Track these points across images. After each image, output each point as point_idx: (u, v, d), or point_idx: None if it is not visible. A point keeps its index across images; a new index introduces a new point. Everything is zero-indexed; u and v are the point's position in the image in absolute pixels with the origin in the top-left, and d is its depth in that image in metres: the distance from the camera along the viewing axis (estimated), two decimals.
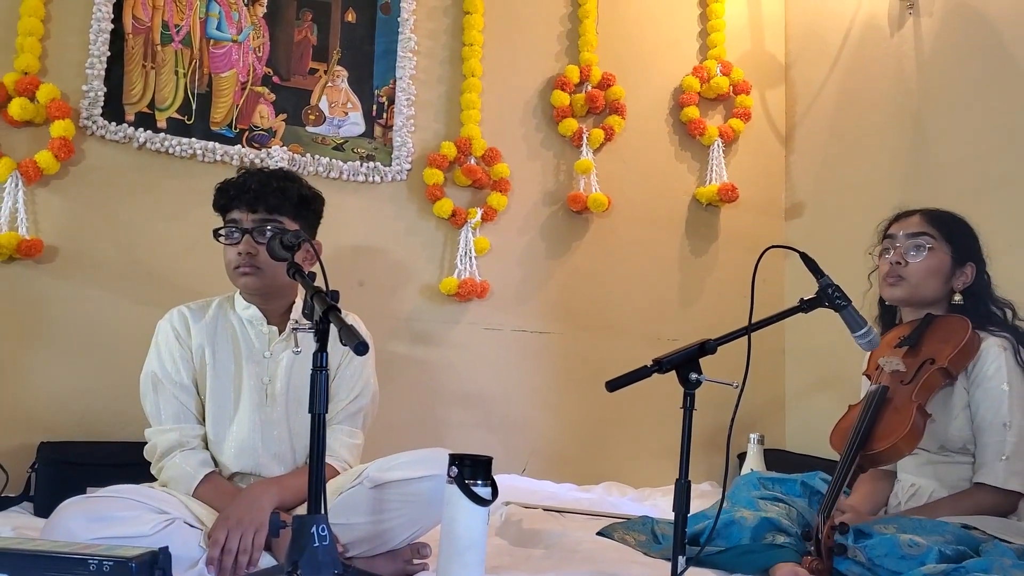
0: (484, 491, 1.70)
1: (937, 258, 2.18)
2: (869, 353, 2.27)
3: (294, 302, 2.19)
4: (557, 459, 3.25)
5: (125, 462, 2.09)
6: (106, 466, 2.23)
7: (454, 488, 1.69)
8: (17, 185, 2.62)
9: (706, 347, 1.67)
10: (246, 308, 2.16)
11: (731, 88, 3.60)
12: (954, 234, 2.21)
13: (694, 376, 1.64)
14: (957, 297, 2.20)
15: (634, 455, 3.34)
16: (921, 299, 2.21)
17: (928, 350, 2.11)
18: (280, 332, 2.16)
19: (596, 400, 3.12)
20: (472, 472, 1.71)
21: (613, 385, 1.66)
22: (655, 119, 3.56)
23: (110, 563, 1.46)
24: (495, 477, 1.75)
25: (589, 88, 3.39)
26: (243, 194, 2.09)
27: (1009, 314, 2.20)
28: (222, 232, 2.09)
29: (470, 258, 3.17)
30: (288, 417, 2.11)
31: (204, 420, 2.10)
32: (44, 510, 2.32)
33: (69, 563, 1.47)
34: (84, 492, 1.93)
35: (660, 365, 1.64)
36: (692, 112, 3.54)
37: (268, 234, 2.02)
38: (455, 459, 1.71)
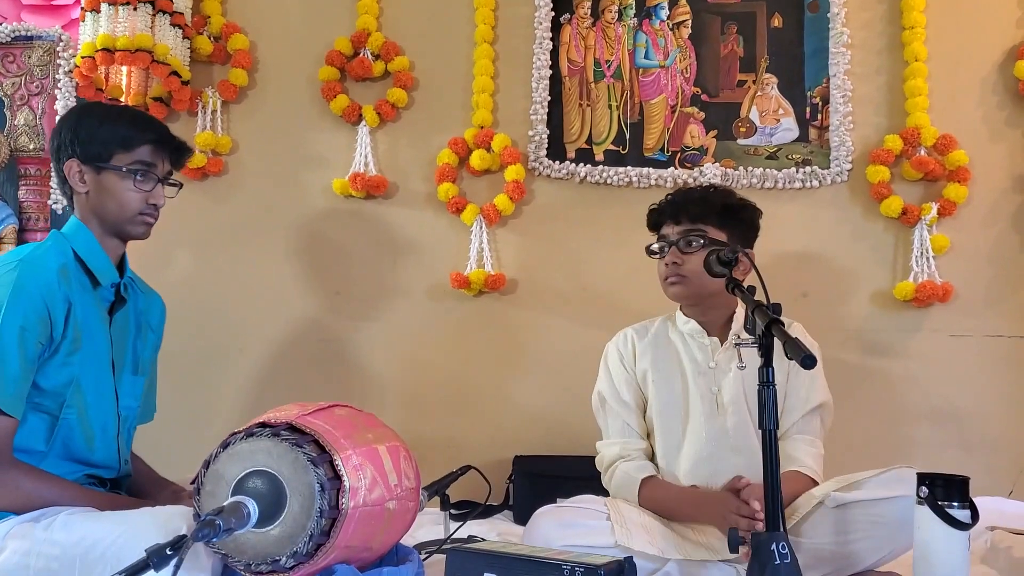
0: (961, 513, 1.56)
1: None
2: None
3: (734, 312, 2.17)
4: None
5: (591, 475, 2.23)
6: (571, 479, 2.38)
7: (925, 510, 1.59)
8: (481, 227, 2.95)
9: None
10: (686, 323, 2.19)
11: None
12: None
13: None
14: None
15: None
16: None
17: None
18: (722, 343, 2.15)
19: None
20: (945, 492, 1.59)
21: None
22: None
23: (581, 570, 1.56)
24: (974, 499, 1.59)
25: None
26: (668, 208, 2.17)
27: None
28: (654, 248, 2.17)
29: (927, 259, 2.88)
30: (743, 427, 2.07)
31: (648, 436, 2.18)
32: (521, 517, 2.56)
33: (545, 567, 1.60)
34: (554, 502, 2.08)
35: None
36: None
37: (693, 243, 2.08)
38: (924, 478, 1.61)
